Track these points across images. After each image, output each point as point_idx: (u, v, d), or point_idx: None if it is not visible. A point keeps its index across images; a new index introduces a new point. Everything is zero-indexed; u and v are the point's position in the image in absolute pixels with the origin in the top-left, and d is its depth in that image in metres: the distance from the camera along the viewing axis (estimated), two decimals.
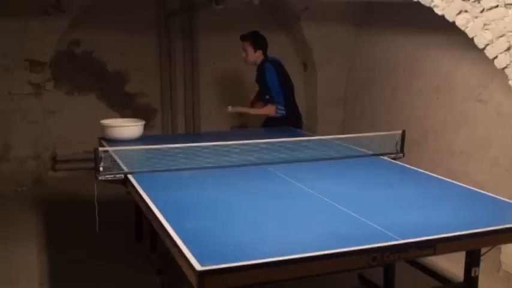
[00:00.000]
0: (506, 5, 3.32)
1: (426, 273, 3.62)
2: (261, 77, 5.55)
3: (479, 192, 3.31)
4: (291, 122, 5.56)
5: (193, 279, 2.17)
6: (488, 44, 3.46)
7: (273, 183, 3.50)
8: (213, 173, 3.69)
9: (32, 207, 5.59)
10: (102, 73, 6.77)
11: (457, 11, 3.55)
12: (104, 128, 4.62)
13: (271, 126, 5.54)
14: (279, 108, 5.50)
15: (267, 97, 5.51)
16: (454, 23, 3.60)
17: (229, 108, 5.57)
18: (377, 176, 3.77)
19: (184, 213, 2.91)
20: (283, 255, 2.26)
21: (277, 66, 5.57)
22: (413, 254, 2.55)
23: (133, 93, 6.94)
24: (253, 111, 5.75)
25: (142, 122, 4.78)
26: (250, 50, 5.53)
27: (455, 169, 5.06)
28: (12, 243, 4.66)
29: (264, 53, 5.58)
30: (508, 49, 3.37)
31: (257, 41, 5.56)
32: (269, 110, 5.54)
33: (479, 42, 3.50)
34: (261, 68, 5.55)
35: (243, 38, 5.56)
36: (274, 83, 5.46)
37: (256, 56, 5.56)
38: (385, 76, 6.35)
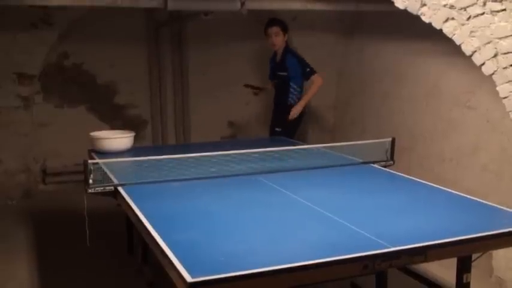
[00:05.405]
0: (492, 12, 3.35)
1: (418, 280, 3.63)
2: (294, 59, 5.73)
3: (469, 198, 3.33)
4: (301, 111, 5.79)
5: None
6: (475, 51, 3.48)
7: (263, 192, 3.50)
8: (204, 184, 3.68)
9: (22, 220, 5.55)
10: (92, 85, 6.75)
11: (444, 19, 3.58)
12: (93, 140, 4.60)
13: (285, 114, 5.69)
14: (297, 91, 5.77)
15: (308, 69, 5.70)
16: (441, 30, 3.63)
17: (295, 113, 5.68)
18: (367, 184, 3.77)
19: (175, 224, 2.90)
20: (274, 265, 2.25)
21: None
22: (404, 261, 2.55)
23: (123, 104, 6.92)
24: (309, 96, 5.80)
25: (132, 134, 4.76)
26: (281, 33, 5.74)
27: (445, 175, 5.07)
28: (2, 257, 4.62)
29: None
30: (495, 56, 3.39)
31: (284, 24, 5.79)
32: (318, 82, 5.74)
33: (467, 49, 3.52)
34: (290, 52, 5.79)
35: (273, 23, 5.75)
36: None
37: (285, 40, 5.80)
38: (375, 83, 6.37)
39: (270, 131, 5.93)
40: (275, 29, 5.70)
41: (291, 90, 5.74)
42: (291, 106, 5.70)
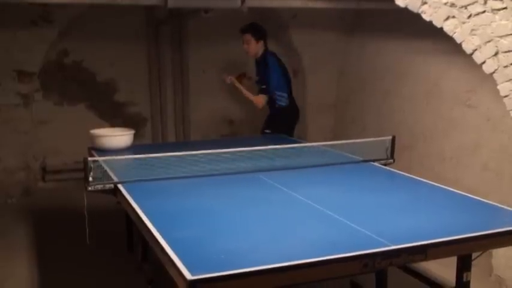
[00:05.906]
0: (493, 11, 3.34)
1: (418, 278, 3.62)
2: (264, 68, 5.59)
3: (470, 197, 3.32)
4: (292, 112, 5.73)
5: None
6: (476, 49, 3.48)
7: (264, 190, 3.50)
8: (204, 182, 3.67)
9: (22, 218, 5.54)
10: (92, 83, 6.74)
11: (445, 17, 3.57)
12: (93, 138, 4.60)
13: (276, 116, 5.64)
14: (283, 96, 5.60)
15: (263, 87, 5.57)
16: (441, 28, 3.62)
17: (228, 79, 5.71)
18: (367, 182, 3.77)
19: (175, 222, 2.89)
20: (274, 263, 2.25)
21: (278, 58, 5.72)
22: (404, 260, 2.54)
23: (123, 102, 6.92)
24: (247, 93, 5.71)
25: (132, 132, 4.76)
26: (252, 41, 5.59)
27: (446, 174, 5.07)
28: (2, 255, 4.62)
29: (265, 43, 5.66)
30: (495, 54, 3.38)
31: (258, 31, 5.62)
32: (260, 100, 5.61)
33: (467, 48, 3.52)
34: (264, 60, 5.61)
35: (244, 30, 5.60)
36: (277, 75, 5.58)
37: (259, 47, 5.62)
38: (376, 82, 6.36)
39: (261, 132, 5.84)
40: (246, 37, 5.58)
41: (278, 95, 5.63)
42: (281, 109, 5.64)
